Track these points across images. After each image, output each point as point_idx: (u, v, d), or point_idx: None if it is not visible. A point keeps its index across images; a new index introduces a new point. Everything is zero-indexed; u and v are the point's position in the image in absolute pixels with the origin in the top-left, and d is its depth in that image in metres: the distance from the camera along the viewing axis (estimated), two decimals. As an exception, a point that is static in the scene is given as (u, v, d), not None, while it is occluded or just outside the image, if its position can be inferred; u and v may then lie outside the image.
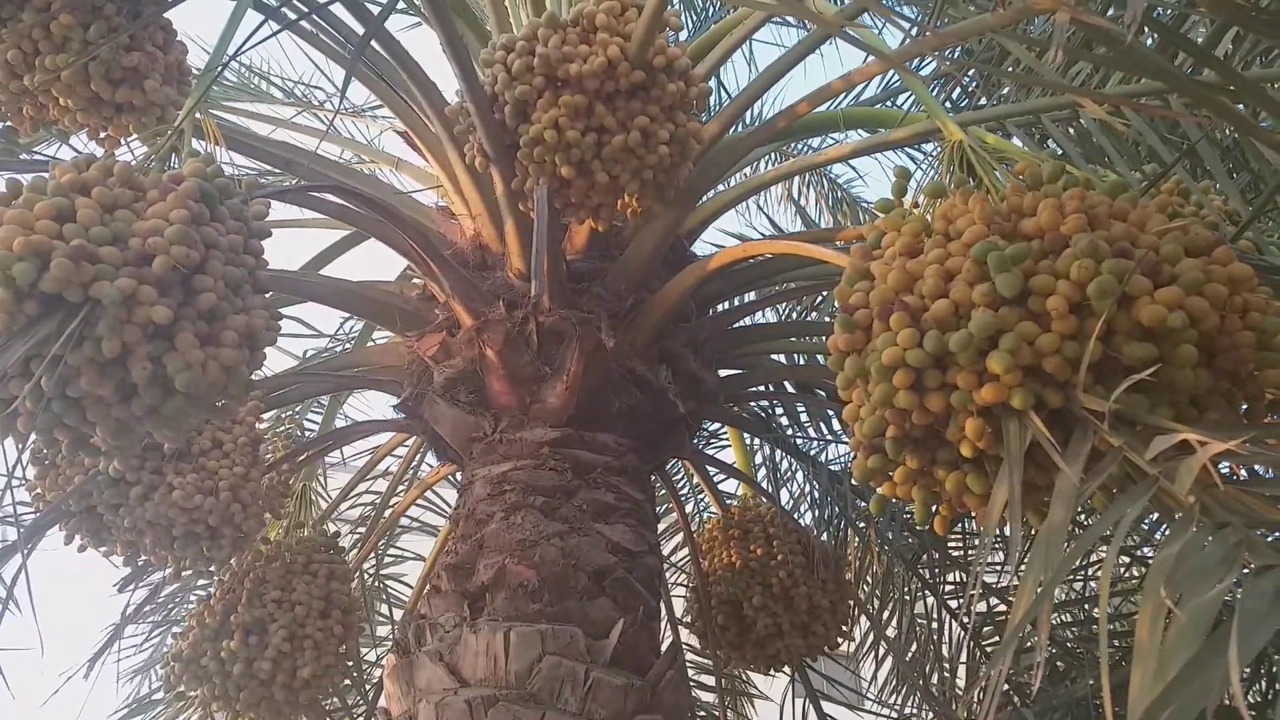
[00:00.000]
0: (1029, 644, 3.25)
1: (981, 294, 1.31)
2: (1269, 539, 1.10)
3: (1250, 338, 1.28)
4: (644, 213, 2.43)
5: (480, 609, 2.30)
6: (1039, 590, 1.07)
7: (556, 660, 2.15)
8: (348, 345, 4.32)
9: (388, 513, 3.69)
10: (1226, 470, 1.28)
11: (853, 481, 3.17)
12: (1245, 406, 1.34)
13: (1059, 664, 3.18)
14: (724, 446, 4.41)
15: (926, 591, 3.42)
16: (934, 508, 1.56)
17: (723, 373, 3.01)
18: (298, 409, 4.12)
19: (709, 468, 3.87)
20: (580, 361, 2.41)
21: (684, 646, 3.90)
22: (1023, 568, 1.21)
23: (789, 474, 3.83)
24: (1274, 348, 1.30)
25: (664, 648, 2.53)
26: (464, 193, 2.78)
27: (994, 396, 1.30)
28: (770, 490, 3.50)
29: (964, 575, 3.39)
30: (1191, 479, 0.99)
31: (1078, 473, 1.19)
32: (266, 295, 1.91)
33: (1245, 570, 1.05)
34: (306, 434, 3.88)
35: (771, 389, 3.38)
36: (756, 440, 4.18)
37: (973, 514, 1.53)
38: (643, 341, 2.55)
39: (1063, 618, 3.31)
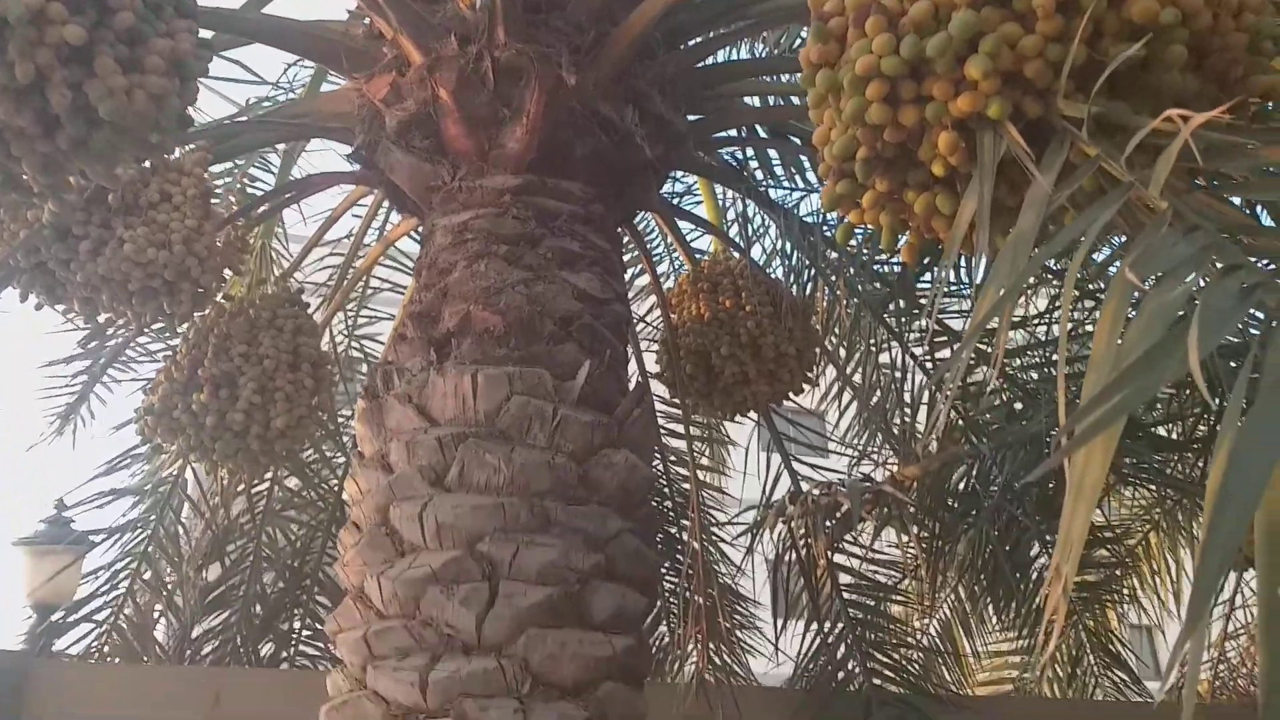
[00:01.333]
0: (990, 388, 3.37)
1: (964, -8, 1.21)
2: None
3: (1242, 39, 1.20)
4: (605, -67, 2.23)
5: (446, 355, 2.31)
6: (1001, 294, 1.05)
7: (524, 399, 2.18)
8: (294, 94, 4.09)
9: (353, 274, 3.64)
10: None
11: (825, 233, 3.14)
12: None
13: (1017, 405, 3.29)
14: (696, 202, 4.33)
15: (892, 341, 3.49)
16: (902, 237, 1.53)
17: (691, 118, 2.88)
18: (248, 165, 3.96)
19: (681, 226, 3.81)
20: (540, 101, 2.28)
21: (655, 397, 4.01)
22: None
23: (761, 230, 3.79)
24: (1264, 52, 1.23)
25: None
26: (407, -87, 2.52)
27: (971, 106, 1.23)
28: (741, 244, 3.46)
29: (930, 324, 3.44)
30: (1169, 166, 0.95)
31: (1051, 181, 1.15)
32: (192, 20, 1.76)
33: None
34: (261, 191, 3.75)
35: (744, 135, 3.26)
36: (728, 196, 4.10)
37: (941, 241, 1.51)
38: (606, 79, 2.41)
39: (1021, 361, 3.40)
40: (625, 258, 4.29)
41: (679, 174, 4.08)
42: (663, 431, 4.34)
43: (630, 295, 4.43)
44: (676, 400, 3.56)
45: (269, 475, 4.15)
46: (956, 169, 1.33)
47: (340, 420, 4.25)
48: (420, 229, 2.85)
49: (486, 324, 2.29)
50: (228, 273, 3.06)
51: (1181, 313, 1.00)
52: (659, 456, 4.39)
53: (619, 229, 2.87)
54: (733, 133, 3.21)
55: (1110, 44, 1.19)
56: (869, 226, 1.52)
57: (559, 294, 2.38)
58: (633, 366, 4.05)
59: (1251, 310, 1.00)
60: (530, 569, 2.10)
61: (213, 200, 2.88)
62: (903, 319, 3.38)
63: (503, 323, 2.30)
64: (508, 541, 2.13)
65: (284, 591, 4.33)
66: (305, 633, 4.34)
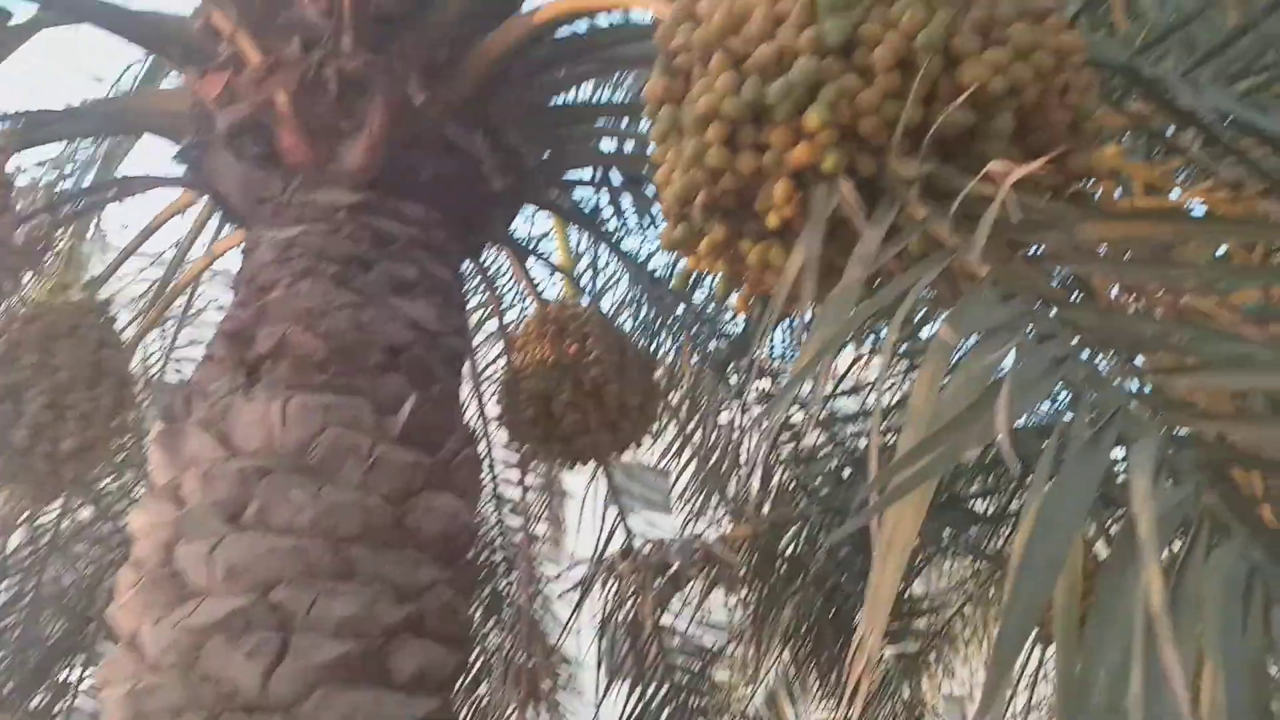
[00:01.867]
0: (820, 454, 3.41)
1: (808, 41, 1.21)
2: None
3: (1066, 118, 1.23)
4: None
5: (258, 379, 2.13)
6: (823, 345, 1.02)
7: (339, 431, 2.03)
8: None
9: (173, 289, 3.38)
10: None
11: (671, 287, 3.13)
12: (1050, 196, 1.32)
13: (846, 470, 3.35)
14: (553, 251, 4.28)
15: (733, 401, 3.50)
16: (737, 288, 1.50)
17: (545, 155, 2.82)
18: (66, 162, 3.64)
19: (533, 274, 3.74)
20: (385, 116, 2.16)
21: (493, 444, 3.88)
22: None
23: (614, 280, 3.77)
24: (1085, 133, 1.27)
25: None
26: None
27: (807, 157, 1.21)
28: (591, 291, 3.42)
29: (770, 382, 3.49)
30: (988, 227, 0.94)
31: (879, 237, 1.13)
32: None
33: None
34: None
35: (598, 178, 3.23)
36: (582, 243, 4.07)
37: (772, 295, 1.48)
38: (458, 101, 2.31)
39: (852, 429, 3.47)
40: (473, 300, 4.19)
41: (534, 219, 4.03)
42: (499, 480, 4.20)
43: (478, 341, 4.30)
44: (516, 446, 3.44)
45: (58, 504, 3.76)
46: (791, 222, 1.31)
47: (146, 447, 3.91)
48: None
49: (305, 348, 2.13)
50: (27, 274, 2.79)
51: (997, 376, 0.99)
52: (494, 506, 4.24)
53: (463, 262, 2.77)
54: (588, 174, 3.18)
55: (942, 108, 1.20)
56: (707, 275, 1.49)
57: (389, 322, 2.24)
58: (474, 411, 3.92)
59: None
60: (328, 621, 1.94)
61: (14, 191, 2.63)
62: (743, 377, 3.41)
63: (324, 348, 2.14)
64: (306, 589, 1.96)
65: (65, 637, 3.91)
66: (85, 684, 3.93)
